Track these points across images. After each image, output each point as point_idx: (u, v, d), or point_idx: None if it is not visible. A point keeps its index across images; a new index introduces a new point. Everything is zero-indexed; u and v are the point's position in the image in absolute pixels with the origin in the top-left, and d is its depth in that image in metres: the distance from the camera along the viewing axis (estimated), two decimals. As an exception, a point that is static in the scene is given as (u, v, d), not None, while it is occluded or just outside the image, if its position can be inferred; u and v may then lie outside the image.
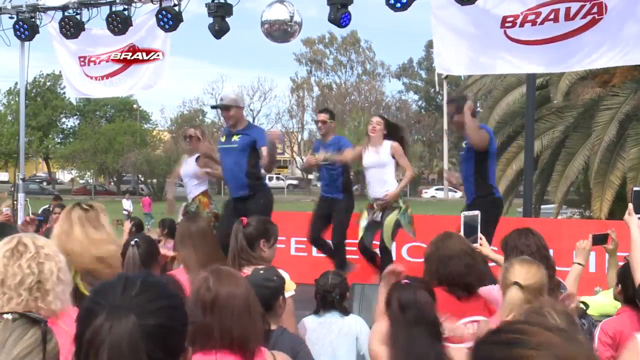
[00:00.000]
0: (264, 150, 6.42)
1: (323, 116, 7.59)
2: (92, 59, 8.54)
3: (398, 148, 6.91)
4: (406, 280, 2.99)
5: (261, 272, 3.36)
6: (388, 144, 6.93)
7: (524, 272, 3.12)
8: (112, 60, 8.40)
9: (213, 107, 6.75)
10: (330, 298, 4.16)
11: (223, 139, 6.83)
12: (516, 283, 3.07)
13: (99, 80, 8.58)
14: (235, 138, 6.64)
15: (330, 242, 7.37)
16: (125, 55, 8.30)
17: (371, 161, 6.97)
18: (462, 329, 3.18)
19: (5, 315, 1.74)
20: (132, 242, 3.78)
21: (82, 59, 8.60)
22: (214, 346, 2.46)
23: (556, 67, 7.29)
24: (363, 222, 7.13)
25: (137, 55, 8.24)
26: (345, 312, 4.23)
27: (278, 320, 3.25)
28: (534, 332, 1.30)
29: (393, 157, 6.89)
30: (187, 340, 1.53)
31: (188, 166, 7.62)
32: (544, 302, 2.37)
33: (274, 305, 3.23)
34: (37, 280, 2.39)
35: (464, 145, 6.38)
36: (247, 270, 3.86)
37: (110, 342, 1.41)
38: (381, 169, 6.91)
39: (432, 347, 2.76)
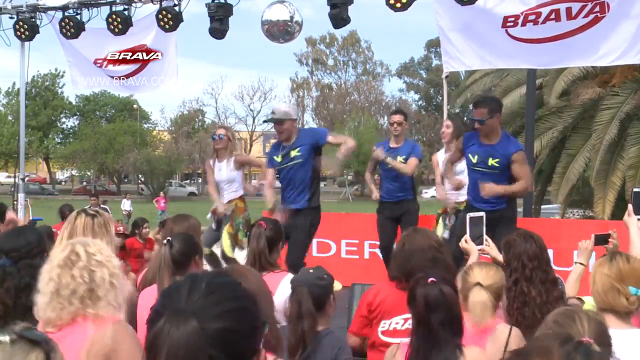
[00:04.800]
0: (331, 138, 6.15)
1: (398, 117, 7.20)
2: (109, 57, 8.61)
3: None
4: (433, 278, 2.91)
5: (311, 270, 3.31)
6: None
7: (483, 274, 3.19)
8: (129, 60, 8.48)
9: (265, 121, 6.63)
10: None
11: (279, 159, 6.24)
12: (478, 284, 3.13)
13: (119, 80, 8.67)
14: (294, 153, 6.17)
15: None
16: (138, 55, 8.39)
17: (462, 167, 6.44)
18: None
19: (1, 338, 1.61)
20: (165, 241, 3.51)
21: (98, 61, 8.67)
22: None
23: (559, 63, 7.30)
24: (441, 230, 6.94)
25: (153, 55, 8.35)
26: None
27: (327, 320, 3.20)
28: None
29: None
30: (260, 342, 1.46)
31: (223, 171, 7.37)
32: (576, 309, 2.35)
33: (325, 304, 3.19)
34: (89, 288, 2.44)
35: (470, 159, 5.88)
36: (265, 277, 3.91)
37: (169, 347, 1.36)
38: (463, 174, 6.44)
39: (454, 349, 2.71)
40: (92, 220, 3.71)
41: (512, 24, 6.48)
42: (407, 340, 2.95)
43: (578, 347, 1.22)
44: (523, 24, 6.43)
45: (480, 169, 5.74)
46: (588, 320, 2.23)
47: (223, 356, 1.36)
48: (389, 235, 7.10)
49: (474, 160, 5.77)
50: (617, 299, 2.86)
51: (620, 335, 2.79)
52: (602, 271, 2.93)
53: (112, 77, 8.69)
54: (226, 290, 1.45)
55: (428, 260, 3.58)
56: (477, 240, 4.23)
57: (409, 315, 3.36)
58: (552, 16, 6.28)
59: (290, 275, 4.03)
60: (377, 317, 3.70)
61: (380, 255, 7.28)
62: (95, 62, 8.68)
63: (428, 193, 59.25)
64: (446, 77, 7.82)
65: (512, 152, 5.60)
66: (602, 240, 4.22)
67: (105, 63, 8.65)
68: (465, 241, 4.22)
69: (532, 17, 6.38)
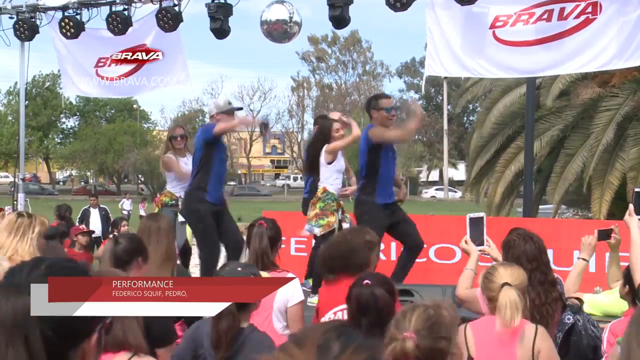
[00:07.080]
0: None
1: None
2: (107, 59, 8.52)
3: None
4: (367, 281, 3.01)
5: (239, 269, 3.30)
6: None
7: (508, 274, 3.17)
8: (126, 60, 8.41)
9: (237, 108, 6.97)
10: None
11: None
12: (506, 283, 3.10)
13: (114, 80, 8.59)
14: None
15: None
16: (137, 55, 8.33)
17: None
18: None
19: None
20: (111, 236, 3.63)
21: (101, 60, 8.56)
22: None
23: (544, 71, 7.07)
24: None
25: (153, 55, 8.28)
26: None
27: (248, 317, 3.16)
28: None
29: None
30: (95, 327, 1.53)
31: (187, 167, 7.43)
32: (421, 304, 2.34)
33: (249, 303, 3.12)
34: None
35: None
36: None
37: None
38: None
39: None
40: (16, 219, 3.77)
41: (501, 23, 6.36)
42: None
43: (341, 333, 1.23)
44: (513, 24, 6.32)
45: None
46: (418, 315, 2.24)
47: (53, 333, 1.43)
48: None
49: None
50: None
51: None
52: None
53: (108, 78, 8.61)
54: (66, 273, 1.52)
55: (329, 259, 3.81)
56: (478, 241, 4.21)
57: (338, 308, 3.57)
58: (545, 16, 6.17)
59: (292, 275, 4.01)
60: (319, 316, 3.82)
61: None
62: (94, 65, 8.61)
63: (428, 193, 59.50)
64: (444, 77, 7.84)
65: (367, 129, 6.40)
66: (604, 235, 4.22)
67: (106, 64, 8.60)
68: (466, 242, 4.20)
69: (524, 17, 6.27)
